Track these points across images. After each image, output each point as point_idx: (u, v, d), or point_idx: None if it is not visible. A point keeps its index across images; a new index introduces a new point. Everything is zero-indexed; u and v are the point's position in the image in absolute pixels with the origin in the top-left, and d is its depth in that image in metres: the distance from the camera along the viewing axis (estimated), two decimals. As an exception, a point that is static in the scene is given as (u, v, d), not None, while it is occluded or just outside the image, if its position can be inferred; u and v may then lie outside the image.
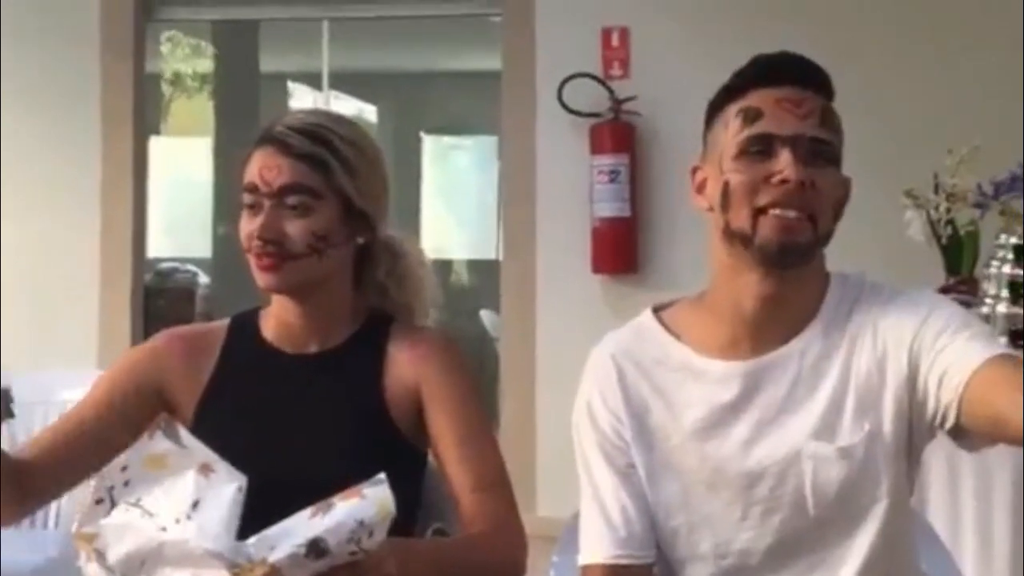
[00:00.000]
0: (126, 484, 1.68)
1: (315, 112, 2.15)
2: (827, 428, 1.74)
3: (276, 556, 1.59)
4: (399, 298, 2.05)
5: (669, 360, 1.81)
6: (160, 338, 2.08)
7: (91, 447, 1.97)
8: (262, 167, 1.94)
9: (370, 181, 1.99)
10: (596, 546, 1.81)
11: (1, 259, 5.73)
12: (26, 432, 3.45)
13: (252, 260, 1.96)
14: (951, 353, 1.66)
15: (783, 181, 1.68)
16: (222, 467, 1.68)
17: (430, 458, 2.03)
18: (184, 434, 1.73)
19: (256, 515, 1.66)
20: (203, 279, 9.87)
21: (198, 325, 2.15)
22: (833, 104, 1.77)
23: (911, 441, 1.75)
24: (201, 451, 1.70)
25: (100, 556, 1.64)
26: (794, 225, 1.69)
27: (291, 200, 1.93)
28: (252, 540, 1.62)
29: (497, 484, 1.93)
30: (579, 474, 1.85)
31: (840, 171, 1.74)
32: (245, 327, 2.06)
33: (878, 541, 1.75)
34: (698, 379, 1.78)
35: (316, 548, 1.59)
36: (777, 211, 1.69)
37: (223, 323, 2.09)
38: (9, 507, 1.91)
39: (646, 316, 1.84)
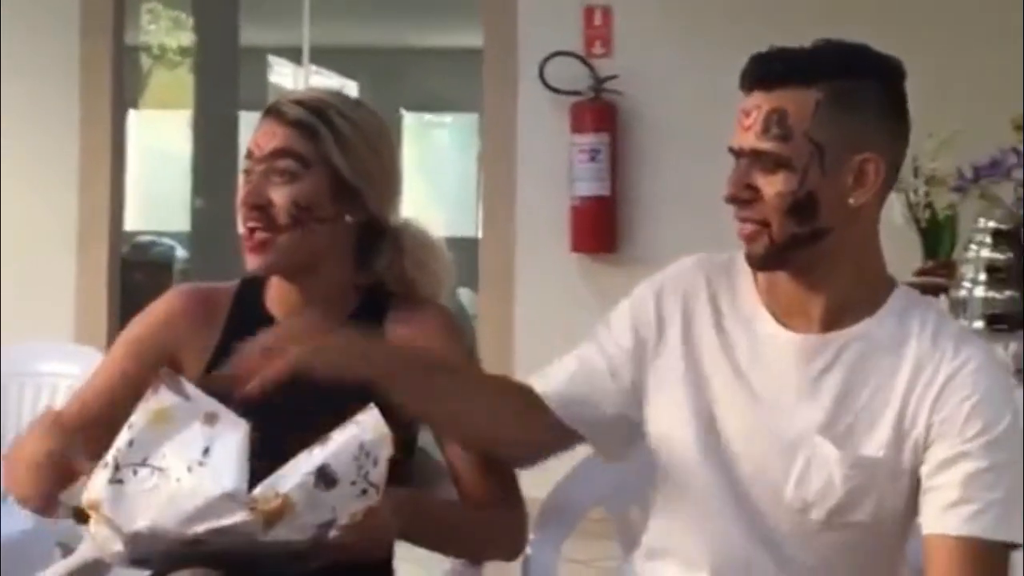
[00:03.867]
0: (130, 444, 1.69)
1: (322, 89, 2.19)
2: (841, 431, 1.75)
3: (287, 486, 1.62)
4: (398, 289, 2.04)
5: (739, 296, 1.83)
6: (174, 297, 2.08)
7: (125, 412, 1.96)
8: (258, 135, 1.97)
9: (365, 159, 1.98)
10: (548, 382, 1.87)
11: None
12: (15, 403, 3.44)
13: (244, 240, 1.97)
14: (937, 498, 1.70)
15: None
16: (226, 415, 1.71)
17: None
18: (187, 386, 1.76)
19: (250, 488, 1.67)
20: (180, 252, 9.84)
21: (211, 285, 2.12)
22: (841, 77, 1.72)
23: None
24: (205, 401, 1.73)
25: (110, 521, 1.65)
26: (748, 235, 1.74)
27: (279, 164, 1.94)
28: (259, 487, 1.65)
29: (499, 460, 1.92)
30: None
31: (795, 172, 1.70)
32: (251, 295, 2.06)
33: (840, 561, 1.77)
34: (755, 330, 1.81)
35: (324, 475, 1.64)
36: (737, 223, 1.75)
37: (233, 285, 2.09)
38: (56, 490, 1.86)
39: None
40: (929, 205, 3.71)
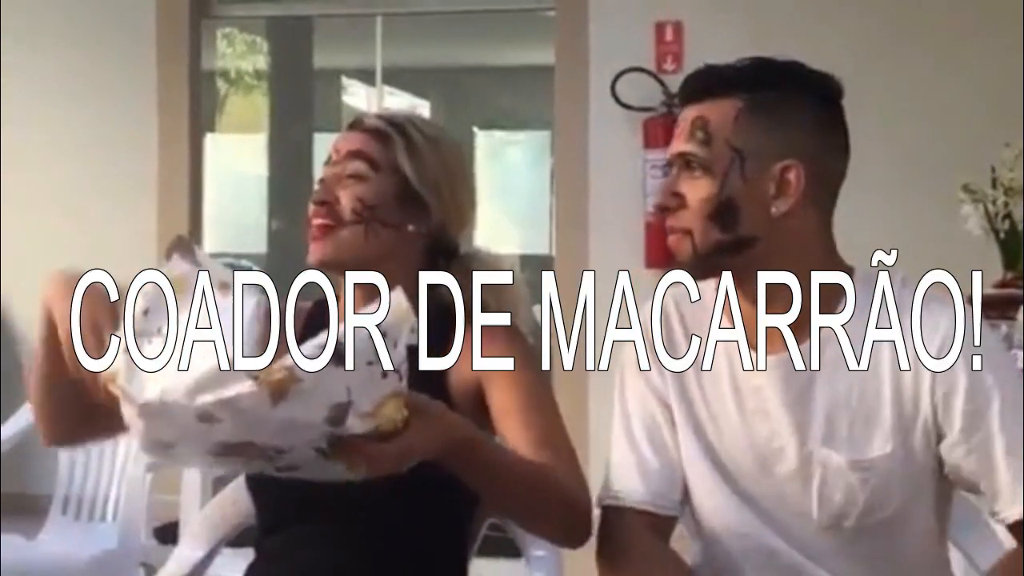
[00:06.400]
0: (145, 313, 1.63)
1: (404, 110, 2.28)
2: (843, 438, 1.74)
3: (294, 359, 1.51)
4: (467, 312, 2.04)
5: (712, 331, 1.83)
6: None
7: None
8: (338, 142, 2.07)
9: (433, 169, 2.03)
10: (627, 486, 1.83)
11: (57, 255, 5.80)
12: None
13: (309, 235, 2.02)
14: (989, 486, 1.71)
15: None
16: (240, 284, 1.66)
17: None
18: (200, 254, 1.69)
19: (317, 495, 1.68)
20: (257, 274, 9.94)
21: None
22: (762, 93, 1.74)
23: (941, 472, 1.75)
24: (218, 269, 1.67)
25: (125, 393, 1.57)
26: (673, 244, 1.77)
27: (351, 166, 2.02)
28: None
29: (562, 444, 1.88)
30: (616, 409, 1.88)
31: (716, 177, 1.72)
32: (318, 315, 2.11)
33: (885, 563, 1.77)
34: (732, 361, 1.80)
35: (333, 350, 1.51)
36: (668, 235, 1.78)
37: (303, 305, 2.15)
38: (68, 423, 1.90)
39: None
40: (1008, 216, 3.68)
